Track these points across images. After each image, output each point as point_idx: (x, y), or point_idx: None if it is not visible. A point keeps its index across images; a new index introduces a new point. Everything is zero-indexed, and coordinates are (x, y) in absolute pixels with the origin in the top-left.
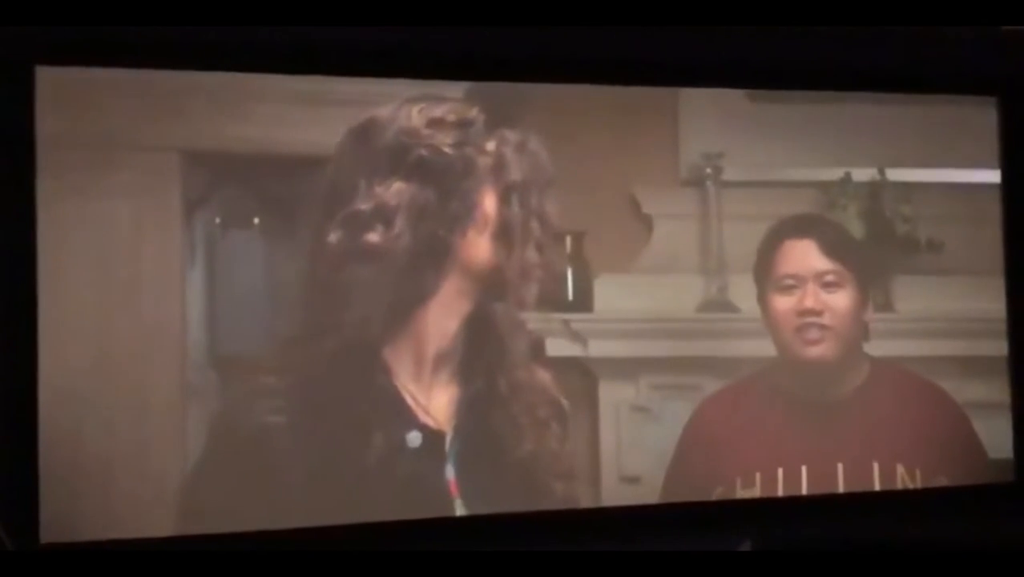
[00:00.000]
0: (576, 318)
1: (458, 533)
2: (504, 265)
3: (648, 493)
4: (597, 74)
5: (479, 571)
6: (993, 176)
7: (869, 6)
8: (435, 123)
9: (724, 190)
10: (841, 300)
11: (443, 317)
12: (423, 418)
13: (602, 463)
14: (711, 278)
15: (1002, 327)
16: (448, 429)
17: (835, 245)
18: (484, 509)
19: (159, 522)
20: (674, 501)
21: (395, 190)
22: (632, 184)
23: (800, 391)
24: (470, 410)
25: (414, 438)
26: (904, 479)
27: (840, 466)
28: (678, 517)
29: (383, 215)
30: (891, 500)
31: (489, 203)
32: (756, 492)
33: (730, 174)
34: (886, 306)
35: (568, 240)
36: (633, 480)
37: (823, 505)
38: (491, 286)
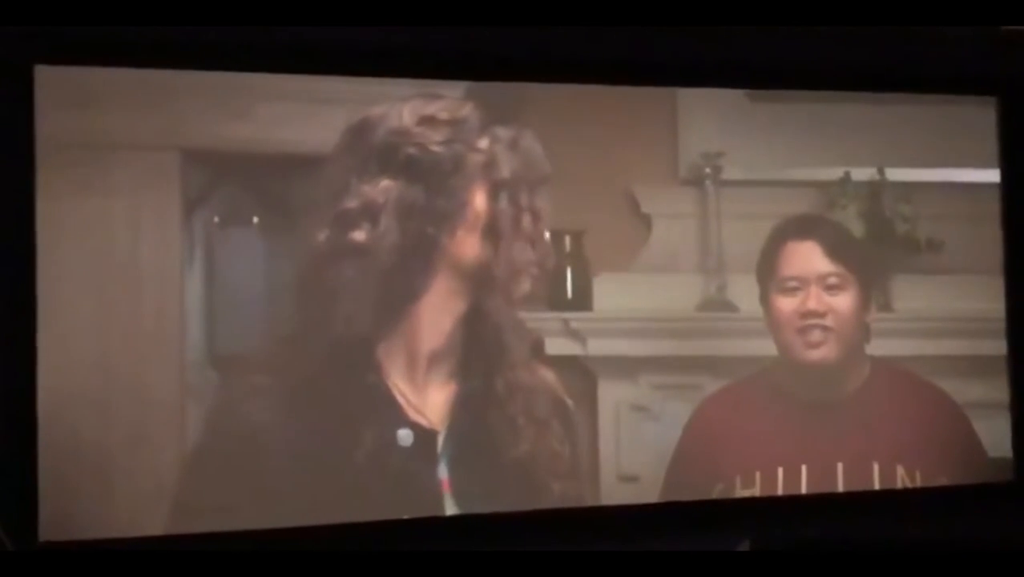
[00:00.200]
0: (575, 317)
1: (456, 532)
2: (495, 263)
3: (647, 492)
4: (597, 74)
5: (478, 571)
6: (993, 176)
7: (869, 6)
8: (426, 121)
9: (723, 189)
10: (843, 302)
11: (436, 315)
12: (414, 417)
13: (601, 462)
14: (710, 277)
15: (1001, 326)
16: (442, 428)
17: (838, 247)
18: (478, 508)
19: (158, 521)
20: (673, 500)
21: (382, 188)
22: (631, 183)
23: (800, 391)
24: (465, 409)
25: (405, 437)
26: (904, 479)
27: (840, 466)
28: (677, 516)
29: (369, 213)
30: (891, 500)
31: (479, 201)
32: (756, 491)
33: (729, 173)
34: (885, 306)
35: (567, 239)
36: (632, 479)
37: (823, 505)
38: (484, 284)
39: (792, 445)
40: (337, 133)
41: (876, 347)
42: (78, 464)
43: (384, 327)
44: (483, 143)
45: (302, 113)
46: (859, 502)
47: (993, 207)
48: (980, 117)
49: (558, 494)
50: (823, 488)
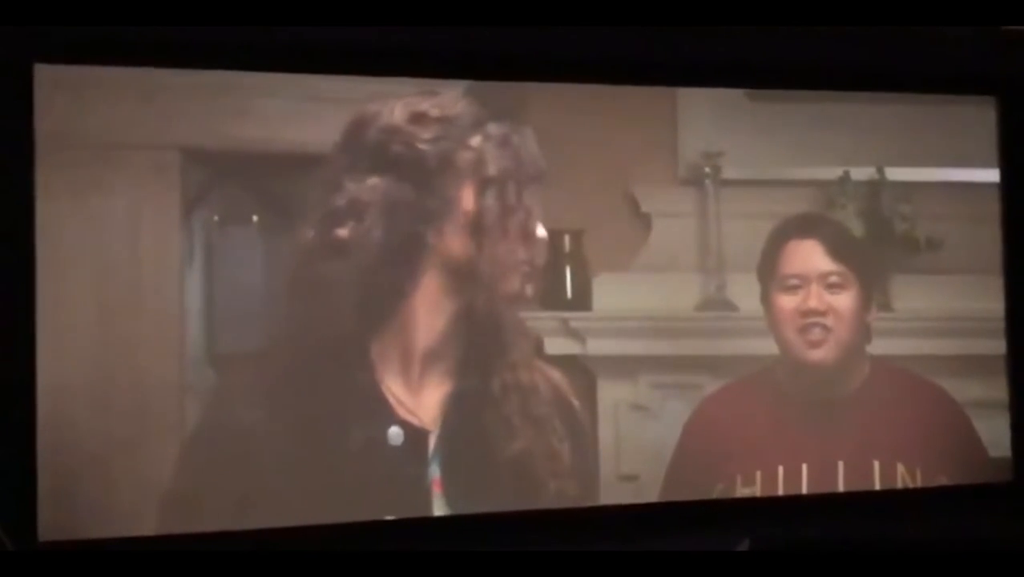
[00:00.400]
0: (575, 316)
1: (454, 532)
2: (488, 260)
3: (646, 492)
4: (597, 73)
5: (477, 571)
6: (992, 175)
7: (869, 6)
8: (416, 118)
9: (723, 189)
10: (844, 301)
11: (429, 314)
12: (405, 416)
13: (600, 462)
14: (710, 277)
15: (1000, 326)
16: (435, 427)
17: (839, 246)
18: (472, 508)
19: (157, 521)
20: (673, 500)
21: (369, 186)
22: (631, 183)
23: (801, 390)
24: (460, 408)
25: (395, 436)
26: (904, 478)
27: (840, 465)
28: (676, 516)
29: (355, 211)
30: (891, 500)
31: (467, 198)
32: (756, 490)
33: (729, 173)
34: (885, 305)
35: (567, 238)
36: (631, 479)
37: (822, 504)
38: (475, 282)
39: (792, 444)
40: (337, 132)
41: (875, 346)
42: (78, 464)
43: (376, 326)
44: (475, 140)
45: (302, 112)
46: (859, 502)
47: (992, 207)
48: (979, 117)
49: (555, 493)
50: (824, 486)
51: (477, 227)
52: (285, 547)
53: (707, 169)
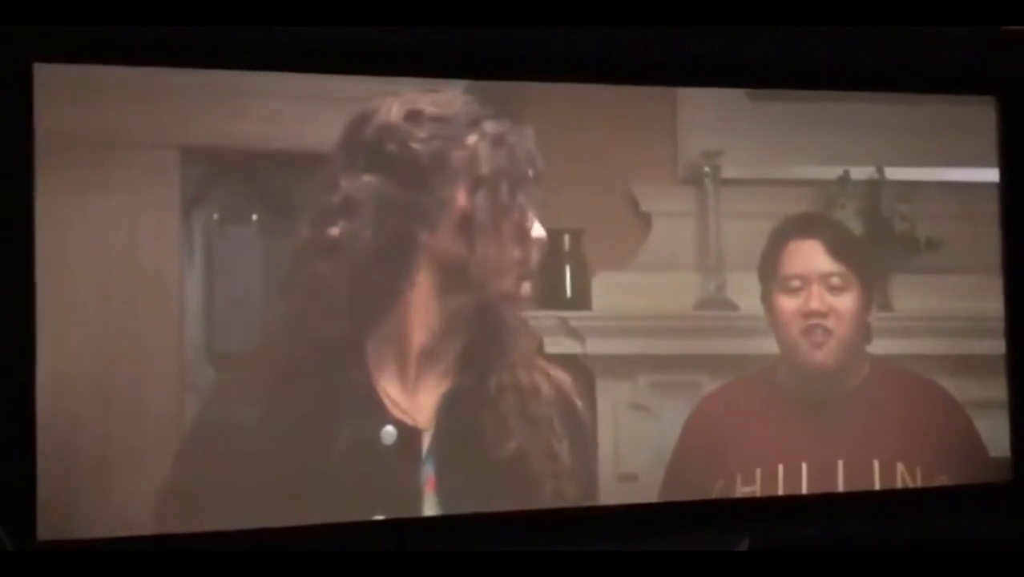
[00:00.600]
0: (574, 316)
1: (452, 532)
2: (480, 260)
3: (646, 491)
4: (596, 73)
5: (473, 571)
6: (991, 175)
7: (869, 6)
8: (413, 117)
9: (723, 188)
10: (846, 302)
11: (423, 313)
12: (399, 415)
13: (600, 461)
14: (709, 276)
15: (1000, 326)
16: (429, 426)
17: (841, 247)
18: (468, 508)
19: (157, 520)
20: (673, 499)
21: (362, 184)
22: (630, 182)
23: (801, 389)
24: (455, 408)
25: (387, 435)
26: (904, 477)
27: (840, 464)
28: (676, 516)
29: (347, 209)
30: (891, 499)
31: (461, 198)
32: (756, 490)
33: (729, 172)
34: (884, 305)
35: (566, 238)
36: (631, 478)
37: (822, 504)
38: (470, 282)
39: (792, 443)
40: (336, 131)
41: (874, 346)
42: (77, 463)
43: (371, 325)
44: (471, 139)
45: (302, 111)
46: (859, 502)
47: (992, 206)
48: (979, 116)
49: (552, 494)
50: (824, 485)
51: (470, 226)
52: (280, 547)
53: (707, 168)
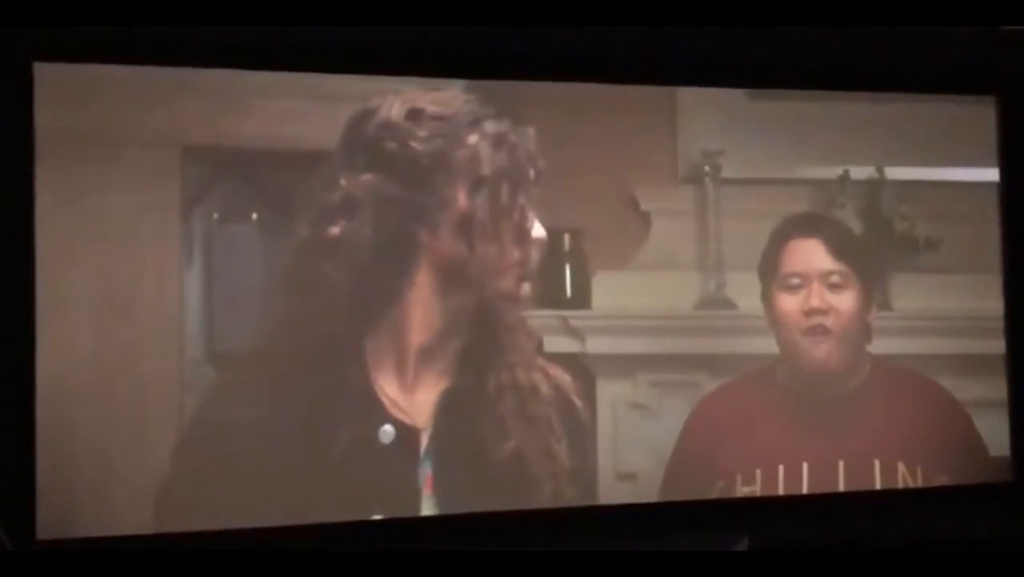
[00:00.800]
0: (574, 315)
1: (450, 532)
2: (479, 260)
3: (645, 490)
4: (597, 73)
5: (471, 571)
6: (991, 175)
7: (869, 6)
8: (414, 115)
9: (723, 187)
10: (846, 301)
11: (422, 313)
12: (397, 414)
13: (599, 460)
14: (709, 275)
15: (1000, 325)
16: (427, 426)
17: (841, 246)
18: (466, 507)
19: (154, 518)
20: (673, 499)
21: (362, 183)
22: (630, 181)
23: (801, 389)
24: (453, 407)
25: (386, 434)
26: (905, 476)
27: (841, 463)
28: (675, 515)
29: (347, 208)
30: (891, 499)
31: (461, 198)
32: (756, 489)
33: (729, 171)
34: (884, 304)
35: (566, 237)
36: (630, 477)
37: (821, 504)
38: (469, 281)
39: (793, 442)
40: (337, 130)
41: (874, 345)
42: (76, 462)
43: (369, 324)
44: (472, 139)
45: (302, 110)
46: (858, 501)
47: (992, 206)
48: (979, 116)
49: (550, 494)
50: (824, 485)
51: (470, 226)
52: (278, 546)
53: (707, 168)
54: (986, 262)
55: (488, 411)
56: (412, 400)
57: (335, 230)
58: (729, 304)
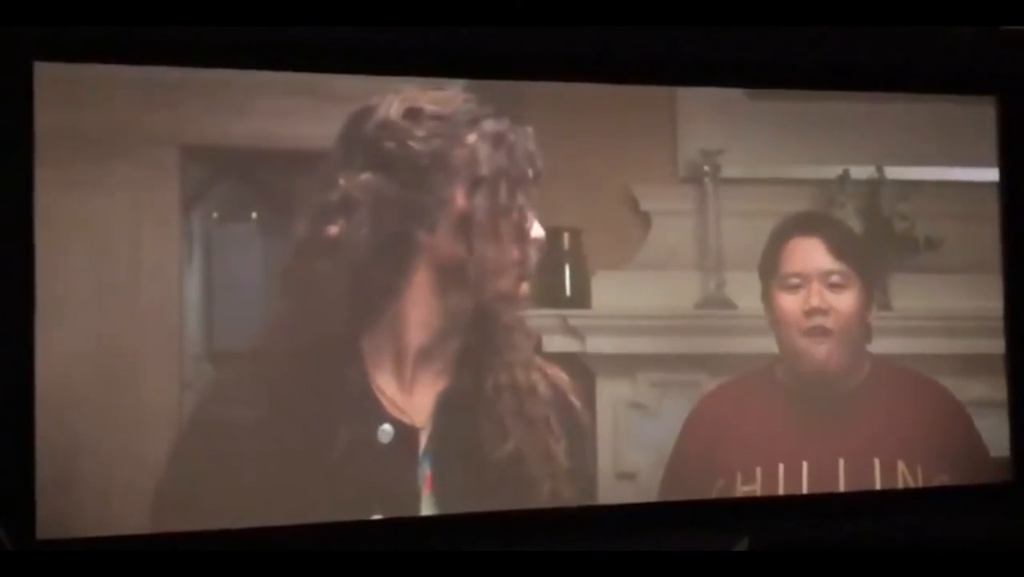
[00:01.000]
0: (574, 314)
1: (445, 532)
2: (478, 259)
3: (645, 490)
4: (596, 72)
5: (469, 571)
6: (991, 174)
7: (869, 6)
8: (412, 115)
9: (722, 187)
10: (845, 301)
11: (420, 313)
12: (396, 414)
13: (599, 460)
14: (709, 275)
15: (1000, 325)
16: (426, 425)
17: (841, 245)
18: (464, 507)
19: (153, 517)
20: (672, 499)
21: (360, 183)
22: (630, 181)
23: (801, 388)
24: (452, 407)
25: (384, 433)
26: (905, 476)
27: (841, 463)
28: (675, 515)
29: (345, 208)
30: (890, 499)
31: (460, 198)
32: (757, 489)
33: (728, 171)
34: (884, 304)
35: (566, 236)
36: (630, 477)
37: (821, 504)
38: (467, 282)
39: (793, 442)
40: (335, 129)
41: (874, 345)
42: (76, 461)
43: (367, 323)
44: (470, 138)
45: (302, 109)
46: (858, 501)
47: (991, 206)
48: (979, 116)
49: (549, 494)
50: (824, 484)
51: (469, 226)
52: (277, 546)
53: (706, 167)
54: (986, 262)
55: (487, 411)
56: (410, 400)
57: (333, 229)
58: (729, 304)
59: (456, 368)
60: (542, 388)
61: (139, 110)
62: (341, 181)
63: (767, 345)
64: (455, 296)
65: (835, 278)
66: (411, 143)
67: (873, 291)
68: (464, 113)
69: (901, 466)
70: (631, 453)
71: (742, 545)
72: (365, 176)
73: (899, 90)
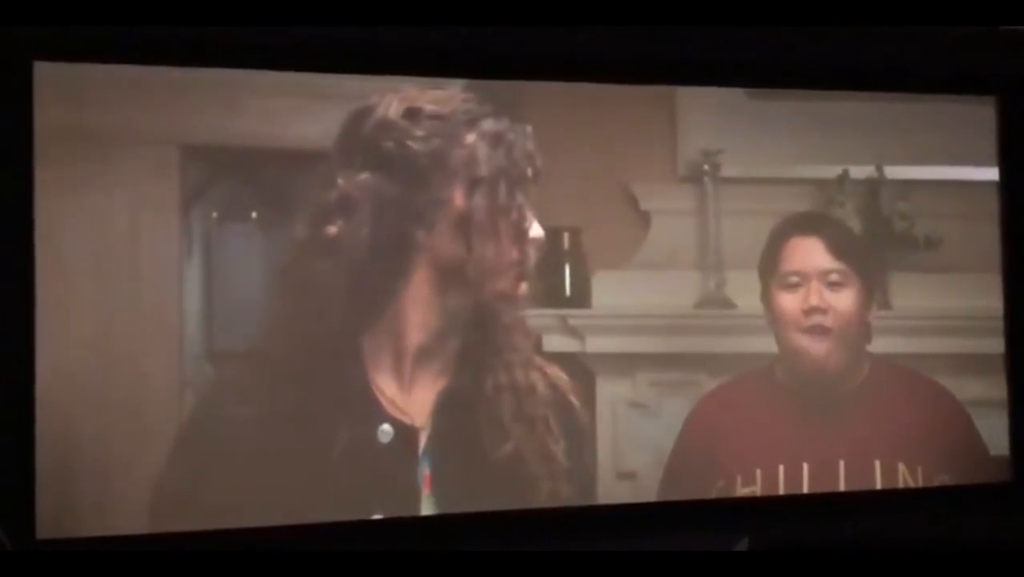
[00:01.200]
0: (573, 314)
1: (445, 531)
2: (477, 259)
3: (644, 489)
4: (596, 72)
5: (469, 571)
6: (991, 174)
7: (869, 6)
8: (411, 114)
9: (722, 187)
10: (845, 300)
11: (419, 313)
12: (395, 413)
13: (598, 459)
14: (709, 274)
15: (999, 324)
16: (426, 425)
17: (841, 244)
18: (463, 507)
19: (153, 517)
20: (672, 498)
21: (359, 183)
22: (630, 180)
23: (801, 388)
24: (451, 407)
25: (384, 433)
26: (905, 476)
27: (841, 463)
28: (675, 515)
29: (344, 208)
30: (890, 499)
31: (458, 197)
32: (757, 489)
33: (728, 171)
34: (884, 303)
35: (565, 236)
36: (630, 476)
37: (821, 504)
38: (467, 281)
39: (793, 442)
40: (335, 129)
41: (873, 345)
42: (76, 462)
43: (367, 323)
44: (470, 138)
45: (301, 108)
46: (858, 501)
47: (991, 205)
48: (979, 115)
49: (548, 494)
50: (825, 485)
51: (468, 226)
52: (277, 545)
53: (706, 167)
54: (986, 261)
55: (486, 411)
56: (410, 399)
57: (332, 230)
58: (728, 303)
59: (456, 368)
60: (541, 388)
61: (139, 110)
62: (340, 181)
63: (767, 345)
64: (454, 296)
65: (834, 277)
66: (410, 143)
67: (873, 291)
68: (463, 113)
69: (901, 467)
70: (631, 453)
71: (742, 545)
72: (364, 176)
73: (899, 90)
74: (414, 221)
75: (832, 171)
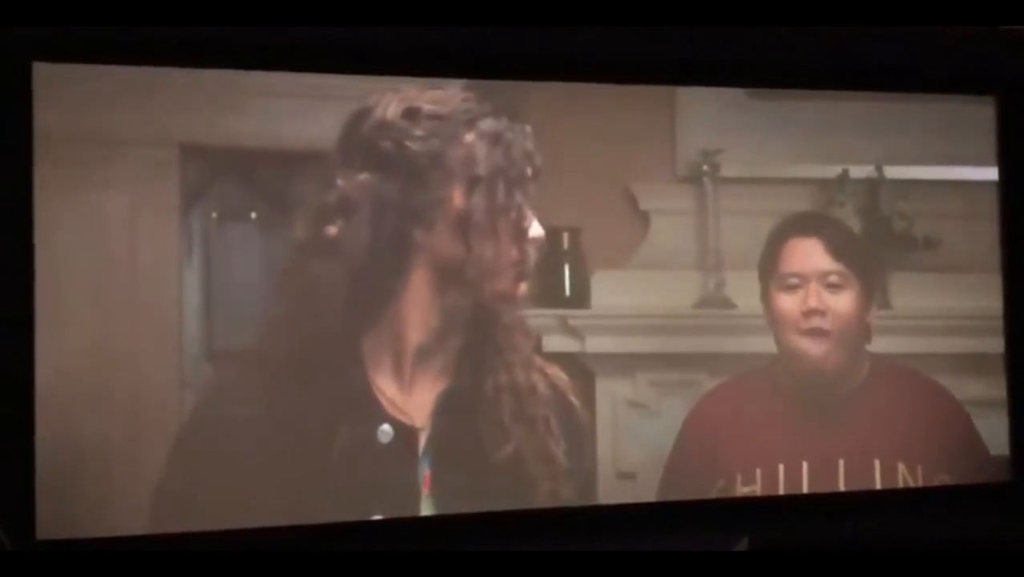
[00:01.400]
0: (573, 314)
1: (444, 532)
2: (477, 259)
3: (644, 489)
4: (596, 72)
5: (471, 571)
6: (991, 173)
7: (869, 6)
8: (410, 114)
9: (722, 187)
10: (844, 301)
11: (421, 312)
12: (395, 414)
13: (598, 459)
14: (708, 274)
15: (999, 324)
16: (426, 425)
17: (840, 245)
18: (463, 507)
19: (152, 517)
20: (672, 498)
21: (358, 183)
22: (630, 180)
23: (800, 388)
24: (451, 407)
25: (384, 434)
26: (905, 476)
27: (841, 463)
28: (674, 515)
29: (344, 208)
30: (890, 499)
31: (457, 197)
32: (757, 489)
33: (728, 171)
34: (883, 303)
35: (565, 236)
36: (629, 477)
37: (821, 504)
38: (467, 280)
39: (793, 442)
40: (335, 129)
41: (873, 344)
42: (76, 462)
43: (367, 323)
44: (469, 138)
45: (301, 109)
46: (858, 501)
47: (991, 205)
48: (978, 115)
49: (548, 494)
50: (824, 485)
51: (467, 226)
52: (277, 546)
53: (706, 167)
54: (985, 261)
55: (486, 411)
56: (410, 400)
57: (332, 230)
58: (728, 303)
59: (456, 368)
60: (542, 388)
61: (138, 110)
62: (339, 182)
63: (766, 345)
64: (454, 296)
65: (833, 278)
66: (409, 143)
67: (872, 291)
68: (462, 112)
69: (901, 467)
70: (631, 453)
71: (742, 545)
72: (363, 176)
73: (899, 90)
74: (413, 221)
75: (832, 171)
